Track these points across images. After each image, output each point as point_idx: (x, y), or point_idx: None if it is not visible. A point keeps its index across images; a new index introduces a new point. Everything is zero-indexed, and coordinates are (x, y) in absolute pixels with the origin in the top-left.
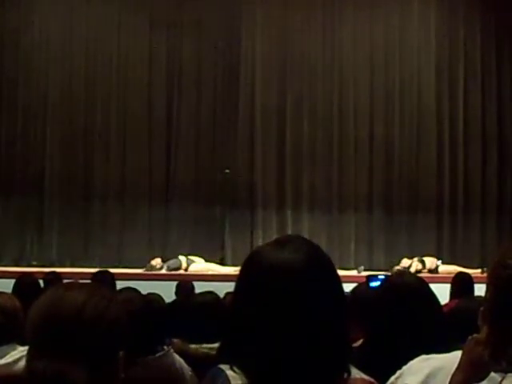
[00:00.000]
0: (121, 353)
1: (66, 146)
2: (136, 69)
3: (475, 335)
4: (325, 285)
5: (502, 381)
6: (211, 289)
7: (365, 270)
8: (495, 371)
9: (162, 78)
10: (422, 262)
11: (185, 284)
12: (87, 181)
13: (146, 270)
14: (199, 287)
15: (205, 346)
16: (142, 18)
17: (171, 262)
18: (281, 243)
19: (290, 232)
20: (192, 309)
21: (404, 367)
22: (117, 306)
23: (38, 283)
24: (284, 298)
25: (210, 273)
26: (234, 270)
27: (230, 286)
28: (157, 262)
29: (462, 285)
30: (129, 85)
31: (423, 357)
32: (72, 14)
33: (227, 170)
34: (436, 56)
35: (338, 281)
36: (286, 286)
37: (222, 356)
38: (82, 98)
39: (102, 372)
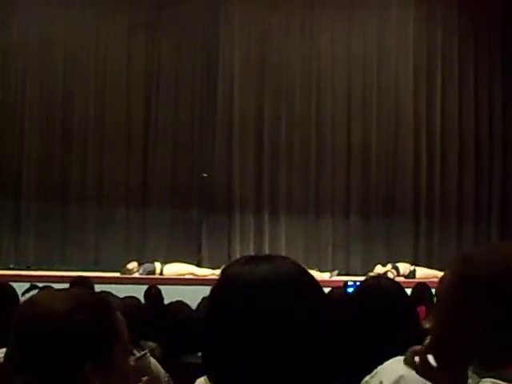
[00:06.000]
0: (89, 364)
1: (43, 148)
2: (114, 71)
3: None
4: (304, 304)
5: None
6: (187, 293)
7: (342, 274)
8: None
9: (141, 80)
10: (396, 269)
11: (152, 290)
12: (64, 183)
13: (122, 274)
14: (175, 291)
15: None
16: (121, 20)
17: (146, 266)
18: (260, 260)
19: (267, 236)
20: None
21: (379, 367)
22: (80, 318)
23: (10, 286)
24: (262, 318)
25: (186, 276)
26: (210, 272)
27: (206, 290)
28: (133, 265)
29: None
30: (107, 87)
31: (398, 358)
32: (50, 14)
33: (205, 174)
34: (414, 60)
35: (324, 301)
36: (263, 305)
37: (205, 369)
38: (60, 101)
39: None
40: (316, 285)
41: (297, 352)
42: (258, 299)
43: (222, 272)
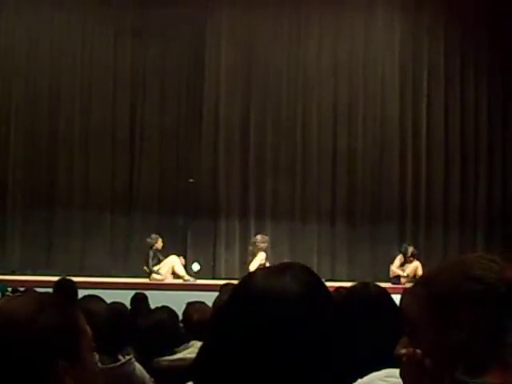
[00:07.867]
0: (61, 362)
1: (29, 153)
2: (100, 78)
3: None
4: (317, 317)
5: None
6: (175, 298)
7: (327, 280)
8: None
9: (126, 85)
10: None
11: (138, 297)
12: (50, 189)
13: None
14: (163, 296)
15: (166, 358)
16: (107, 27)
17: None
18: (279, 270)
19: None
20: (147, 326)
21: (365, 378)
22: (49, 314)
23: None
24: (270, 326)
25: (173, 281)
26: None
27: (192, 296)
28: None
29: None
30: (93, 92)
31: (386, 372)
32: (37, 21)
33: (191, 180)
34: (400, 67)
35: (332, 315)
36: (274, 314)
37: (194, 374)
38: (46, 107)
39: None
40: (329, 299)
41: (305, 362)
42: (272, 307)
43: (244, 278)
